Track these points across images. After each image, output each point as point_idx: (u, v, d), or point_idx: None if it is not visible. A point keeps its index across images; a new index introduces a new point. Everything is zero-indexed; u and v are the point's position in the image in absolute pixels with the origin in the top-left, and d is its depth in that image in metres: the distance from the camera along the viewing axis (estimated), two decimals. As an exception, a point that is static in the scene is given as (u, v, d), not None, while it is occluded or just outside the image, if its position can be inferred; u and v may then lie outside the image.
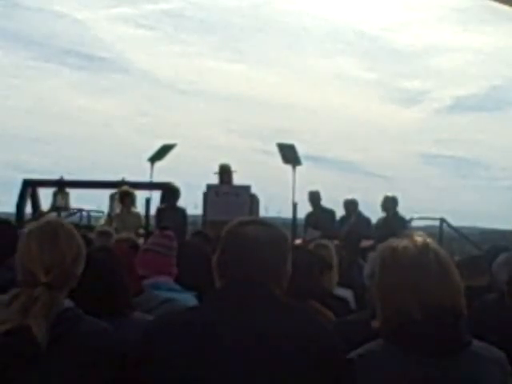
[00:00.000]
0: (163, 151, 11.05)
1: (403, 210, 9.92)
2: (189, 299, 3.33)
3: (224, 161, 10.00)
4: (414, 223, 12.05)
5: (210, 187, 9.63)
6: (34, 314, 1.93)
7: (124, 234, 5.39)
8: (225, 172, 9.64)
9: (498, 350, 2.07)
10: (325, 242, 5.01)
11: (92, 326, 2.04)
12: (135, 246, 4.47)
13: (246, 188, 9.56)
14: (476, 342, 2.03)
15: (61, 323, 1.97)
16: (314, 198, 10.08)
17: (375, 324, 2.08)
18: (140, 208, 10.11)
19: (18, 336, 1.91)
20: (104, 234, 5.89)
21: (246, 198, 9.38)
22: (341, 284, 4.75)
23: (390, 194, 9.96)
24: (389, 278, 2.06)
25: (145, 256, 3.61)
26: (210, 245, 5.03)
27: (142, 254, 3.66)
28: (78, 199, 13.04)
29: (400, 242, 2.10)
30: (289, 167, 10.07)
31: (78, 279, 2.14)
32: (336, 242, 7.08)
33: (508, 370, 2.05)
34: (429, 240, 2.11)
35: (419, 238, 2.10)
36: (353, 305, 4.53)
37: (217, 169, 9.77)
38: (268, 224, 2.11)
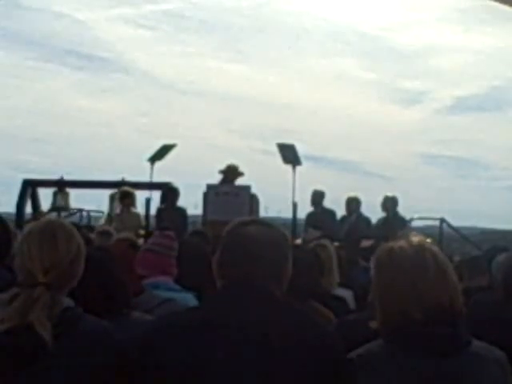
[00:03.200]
0: (163, 151, 11.04)
1: (403, 210, 9.94)
2: (189, 299, 3.34)
3: (224, 161, 9.99)
4: (414, 223, 12.05)
5: (210, 187, 9.61)
6: (35, 314, 1.93)
7: (123, 234, 5.39)
8: (229, 171, 9.61)
9: (498, 349, 2.07)
10: (324, 242, 5.01)
11: (92, 325, 2.05)
12: (135, 246, 4.47)
13: (246, 188, 9.54)
14: (476, 342, 2.03)
15: (61, 322, 1.97)
16: (317, 197, 10.06)
17: (373, 325, 2.09)
18: (140, 208, 10.11)
19: (21, 335, 1.91)
20: (104, 233, 5.89)
21: (246, 198, 9.37)
22: (341, 284, 4.75)
23: (389, 194, 9.95)
24: (386, 278, 2.07)
25: (145, 256, 3.61)
26: (209, 244, 5.04)
27: (143, 253, 3.67)
28: (77, 199, 13.05)
29: (396, 243, 2.11)
30: (289, 167, 10.05)
31: (79, 278, 2.14)
32: (336, 243, 7.07)
33: (508, 370, 2.05)
34: (426, 241, 2.12)
35: (416, 239, 2.11)
36: (352, 305, 4.53)
37: (221, 168, 9.74)
38: (268, 224, 2.11)
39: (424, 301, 1.99)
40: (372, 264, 2.13)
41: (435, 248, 2.10)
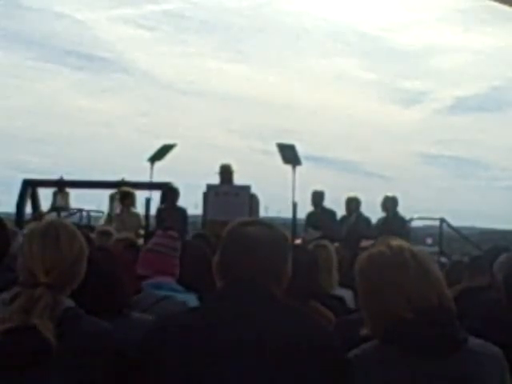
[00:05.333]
0: (163, 151, 11.03)
1: (403, 210, 9.93)
2: (191, 300, 3.33)
3: (224, 161, 10.01)
4: (414, 223, 12.09)
5: (209, 187, 9.62)
6: (37, 315, 1.93)
7: (122, 234, 5.39)
8: (225, 172, 9.64)
9: (494, 345, 2.08)
10: (324, 242, 5.02)
11: (93, 326, 2.04)
12: (133, 246, 4.48)
13: (246, 188, 9.55)
14: (472, 339, 2.04)
15: (61, 323, 1.97)
16: (317, 197, 10.07)
17: (363, 332, 2.10)
18: (140, 208, 10.11)
19: (23, 335, 1.91)
20: (105, 233, 5.88)
21: (246, 198, 9.37)
22: (341, 284, 4.76)
23: (389, 194, 9.95)
24: (370, 284, 2.08)
25: (147, 256, 3.61)
26: (210, 247, 5.03)
27: (145, 254, 3.66)
28: (77, 199, 13.09)
29: (375, 248, 2.13)
30: (289, 167, 10.06)
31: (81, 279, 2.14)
32: (336, 243, 7.07)
33: (505, 365, 2.06)
34: (404, 243, 2.14)
35: (394, 242, 2.13)
36: (352, 304, 4.53)
37: (217, 169, 9.76)
38: (268, 224, 2.11)
39: (412, 300, 1.99)
40: (355, 273, 2.14)
41: (416, 249, 2.12)
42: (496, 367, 2.03)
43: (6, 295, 2.02)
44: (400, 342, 1.97)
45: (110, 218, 10.15)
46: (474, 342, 2.04)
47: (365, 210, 10.02)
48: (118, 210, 10.01)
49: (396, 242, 2.12)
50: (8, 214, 11.38)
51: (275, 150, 10.22)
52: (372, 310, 2.06)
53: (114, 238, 4.99)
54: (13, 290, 2.02)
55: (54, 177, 12.38)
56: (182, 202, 9.74)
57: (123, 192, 9.85)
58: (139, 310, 2.73)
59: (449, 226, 11.93)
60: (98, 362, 1.98)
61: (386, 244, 2.12)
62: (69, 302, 2.05)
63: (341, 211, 10.12)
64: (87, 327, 2.02)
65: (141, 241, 7.78)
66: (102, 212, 12.12)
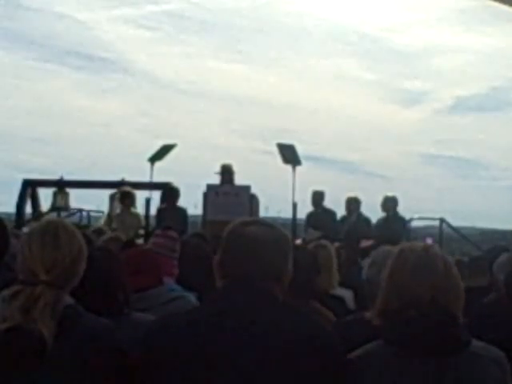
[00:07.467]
0: (163, 151, 11.03)
1: (403, 210, 9.94)
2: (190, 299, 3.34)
3: (224, 161, 10.01)
4: (414, 223, 12.08)
5: (210, 187, 9.62)
6: (38, 313, 1.93)
7: (109, 234, 5.39)
8: (226, 172, 9.63)
9: (497, 349, 2.08)
10: (324, 242, 5.02)
11: (93, 324, 2.05)
12: (119, 242, 4.51)
13: (246, 188, 9.55)
14: (475, 342, 2.04)
15: (62, 320, 1.97)
16: (318, 197, 10.07)
17: (368, 316, 2.12)
18: (140, 208, 10.11)
19: (23, 334, 1.91)
20: (99, 232, 5.88)
21: (246, 198, 9.38)
22: (341, 284, 4.76)
23: (390, 194, 9.96)
24: (398, 276, 2.09)
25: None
26: (208, 246, 5.04)
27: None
28: (77, 199, 13.03)
29: (405, 244, 2.20)
30: (289, 167, 10.06)
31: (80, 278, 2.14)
32: (336, 243, 7.07)
33: (507, 370, 2.06)
34: (439, 250, 2.18)
35: (421, 243, 2.20)
36: (352, 305, 4.54)
37: (218, 169, 9.76)
38: (269, 224, 2.11)
39: (421, 299, 2.01)
40: (386, 264, 2.17)
41: (448, 257, 2.16)
42: (498, 370, 2.03)
43: (6, 292, 2.02)
44: (401, 343, 1.97)
45: (110, 218, 10.14)
46: (476, 344, 2.04)
47: (365, 209, 10.04)
48: (118, 210, 10.01)
49: (434, 247, 2.17)
50: (8, 214, 11.38)
51: (275, 150, 10.23)
52: (386, 297, 2.08)
53: (105, 238, 4.97)
54: (13, 288, 2.02)
55: (54, 177, 12.36)
56: (182, 202, 9.75)
57: (123, 192, 9.85)
58: (153, 306, 2.75)
59: (449, 225, 11.92)
60: (99, 359, 1.98)
61: (415, 244, 2.18)
62: (69, 300, 2.05)
63: (341, 211, 10.14)
64: (87, 325, 2.02)
65: (141, 241, 7.79)
66: (102, 212, 12.10)
